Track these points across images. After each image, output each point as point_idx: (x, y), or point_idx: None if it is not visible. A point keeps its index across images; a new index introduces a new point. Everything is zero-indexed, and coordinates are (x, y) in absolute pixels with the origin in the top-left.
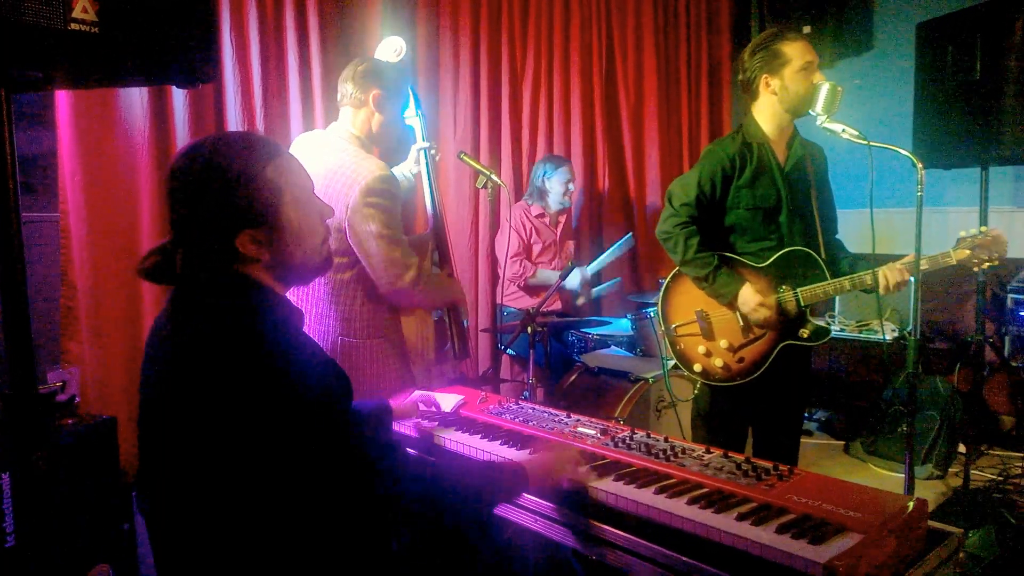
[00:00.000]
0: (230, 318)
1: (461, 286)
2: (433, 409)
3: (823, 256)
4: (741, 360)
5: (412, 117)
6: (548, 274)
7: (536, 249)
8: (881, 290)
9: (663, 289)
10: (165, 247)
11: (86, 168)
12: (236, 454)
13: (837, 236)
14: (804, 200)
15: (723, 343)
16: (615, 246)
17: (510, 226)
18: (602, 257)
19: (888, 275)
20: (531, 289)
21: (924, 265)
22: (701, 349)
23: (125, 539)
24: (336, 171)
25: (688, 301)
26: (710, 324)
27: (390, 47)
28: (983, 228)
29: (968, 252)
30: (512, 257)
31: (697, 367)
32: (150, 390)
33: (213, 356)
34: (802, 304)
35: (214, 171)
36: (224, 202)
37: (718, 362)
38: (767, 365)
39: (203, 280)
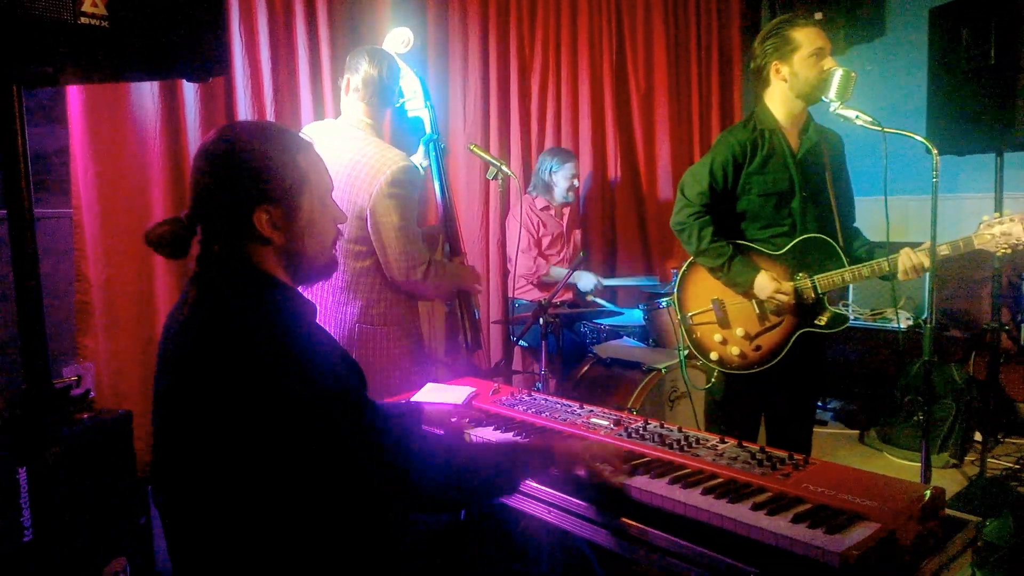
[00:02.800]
0: (244, 312)
1: (474, 271)
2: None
3: (840, 243)
4: (758, 348)
5: (421, 109)
6: (561, 272)
7: (545, 242)
8: (900, 274)
9: (679, 278)
10: (179, 220)
11: (98, 164)
12: (250, 446)
13: (855, 224)
14: (818, 186)
15: (739, 331)
16: (640, 280)
17: (519, 222)
18: (624, 282)
19: (906, 259)
20: (544, 285)
21: (945, 251)
22: (717, 337)
23: (141, 533)
24: (360, 160)
25: (704, 289)
26: (726, 312)
27: (398, 38)
28: (1006, 212)
29: (990, 237)
30: (524, 252)
31: (713, 355)
32: (164, 383)
33: (227, 350)
34: (819, 291)
35: (249, 145)
36: (251, 174)
37: (734, 350)
38: (784, 353)
39: (218, 270)
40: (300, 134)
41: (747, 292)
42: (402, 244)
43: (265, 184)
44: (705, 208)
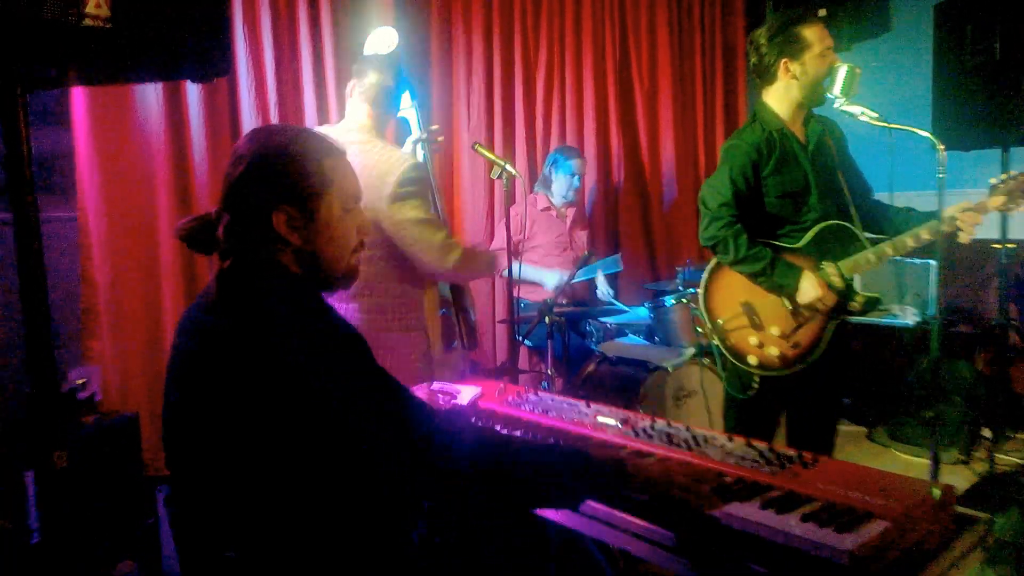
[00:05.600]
0: (264, 305)
1: (491, 255)
2: (452, 400)
3: (858, 227)
4: (796, 345)
5: (407, 109)
6: (526, 271)
7: (541, 247)
8: (964, 237)
9: (703, 286)
10: (208, 215)
11: (103, 166)
12: (269, 437)
13: (875, 198)
14: (831, 176)
15: (774, 331)
16: (601, 263)
17: (507, 219)
18: (588, 273)
19: (967, 219)
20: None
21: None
22: (753, 341)
23: (149, 535)
24: (368, 165)
25: (731, 294)
26: (757, 314)
27: (381, 38)
28: (1012, 172)
29: (1003, 198)
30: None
31: (752, 360)
32: (178, 379)
33: (246, 342)
34: (847, 277)
35: (276, 145)
36: (275, 173)
37: (774, 351)
38: (823, 346)
39: (241, 265)
40: (338, 144)
41: (791, 295)
42: (428, 236)
43: (287, 184)
44: (734, 217)
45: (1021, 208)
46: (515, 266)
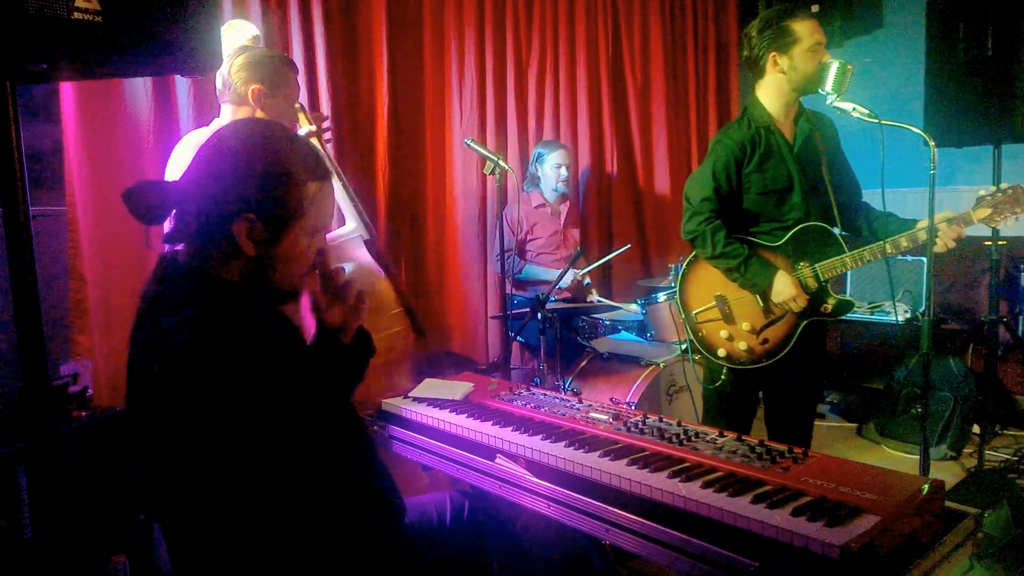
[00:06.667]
0: (209, 325)
1: None
2: None
3: (839, 228)
4: (765, 341)
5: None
6: (536, 271)
7: (538, 244)
8: (941, 247)
9: (680, 276)
10: (166, 187)
11: (92, 161)
12: (210, 453)
13: (863, 200)
14: (816, 176)
15: (745, 326)
16: (612, 254)
17: (505, 220)
18: (598, 263)
19: (945, 235)
20: (521, 284)
21: (944, 228)
22: (723, 334)
23: (141, 530)
24: None
25: (706, 286)
26: (730, 308)
27: (241, 33)
28: (1002, 185)
29: (989, 211)
30: (498, 255)
31: (721, 352)
32: (131, 391)
33: (189, 361)
34: (821, 279)
35: (273, 151)
36: (256, 178)
37: (742, 345)
38: (791, 345)
39: (178, 273)
40: (328, 165)
41: (764, 293)
42: None
43: (263, 198)
44: (714, 213)
45: (1007, 221)
46: (528, 267)
